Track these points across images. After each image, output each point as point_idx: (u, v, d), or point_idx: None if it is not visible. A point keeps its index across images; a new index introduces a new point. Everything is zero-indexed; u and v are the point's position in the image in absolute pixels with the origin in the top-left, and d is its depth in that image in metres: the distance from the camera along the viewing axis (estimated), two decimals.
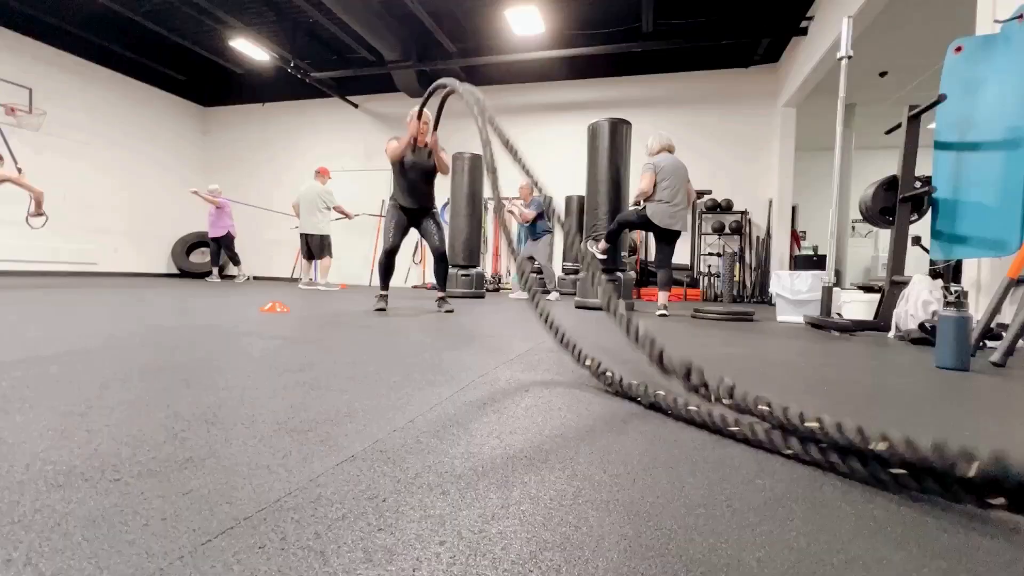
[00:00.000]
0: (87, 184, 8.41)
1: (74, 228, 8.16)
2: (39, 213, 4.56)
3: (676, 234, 3.89)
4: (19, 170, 5.11)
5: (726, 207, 7.48)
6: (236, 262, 7.69)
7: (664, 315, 3.73)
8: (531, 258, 6.05)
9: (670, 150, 3.97)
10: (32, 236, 6.77)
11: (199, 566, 0.47)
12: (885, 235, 10.07)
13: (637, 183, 3.94)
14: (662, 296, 3.89)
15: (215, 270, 7.78)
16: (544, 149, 8.41)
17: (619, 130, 4.52)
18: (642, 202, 3.90)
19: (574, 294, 6.71)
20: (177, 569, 0.46)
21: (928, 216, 3.04)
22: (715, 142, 7.74)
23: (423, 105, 3.22)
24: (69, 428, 0.83)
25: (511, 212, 6.13)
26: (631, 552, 0.52)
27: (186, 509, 0.57)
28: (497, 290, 8.10)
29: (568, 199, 7.57)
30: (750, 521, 0.60)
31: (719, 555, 0.52)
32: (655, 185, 3.80)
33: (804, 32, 6.22)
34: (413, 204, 3.44)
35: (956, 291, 1.83)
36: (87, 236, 8.41)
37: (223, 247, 7.59)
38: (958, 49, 2.84)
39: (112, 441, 0.78)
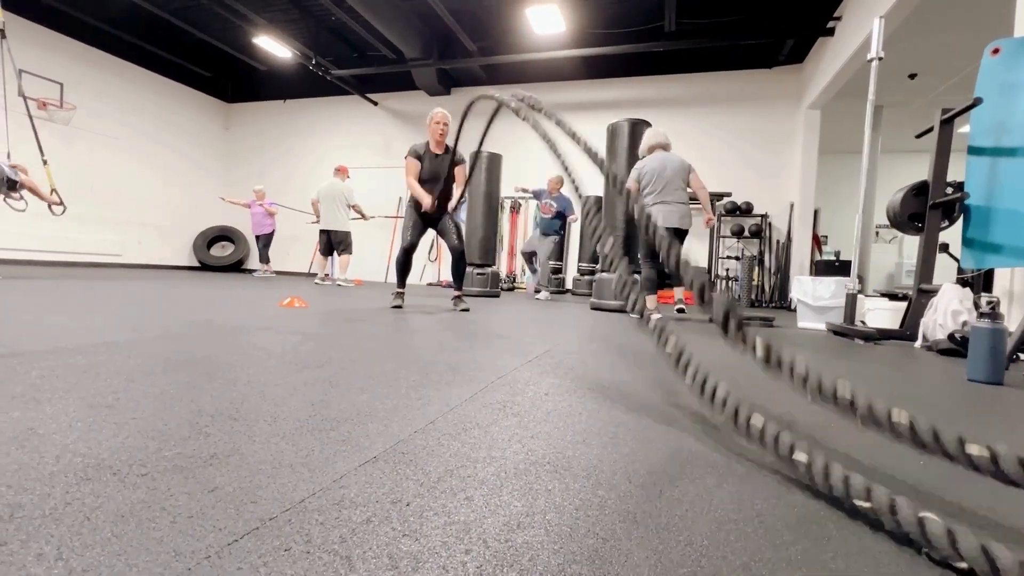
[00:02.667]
0: (114, 177, 8.62)
1: (100, 220, 8.37)
2: (55, 203, 4.68)
3: (681, 233, 3.73)
4: (44, 162, 5.22)
5: (746, 210, 7.37)
6: (266, 260, 7.90)
7: (683, 311, 3.69)
8: (532, 253, 6.04)
9: (664, 147, 3.77)
10: (59, 227, 6.96)
11: (226, 567, 0.46)
12: (910, 241, 9.81)
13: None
14: (678, 292, 3.85)
15: (265, 267, 7.94)
16: (562, 148, 8.37)
17: (639, 131, 4.46)
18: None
19: (589, 295, 6.66)
20: (204, 569, 0.46)
21: (958, 223, 2.95)
22: (737, 144, 7.63)
23: (462, 121, 2.93)
24: (97, 420, 0.84)
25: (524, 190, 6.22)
26: (662, 568, 0.51)
27: (212, 507, 0.57)
28: (512, 289, 8.10)
29: (586, 199, 7.52)
30: (784, 539, 0.58)
31: (753, 574, 0.51)
32: (640, 192, 3.67)
33: (831, 32, 6.09)
34: (431, 210, 3.42)
35: (990, 301, 1.77)
36: (112, 228, 8.62)
37: (263, 245, 7.82)
38: (995, 51, 2.74)
39: (139, 435, 0.79)
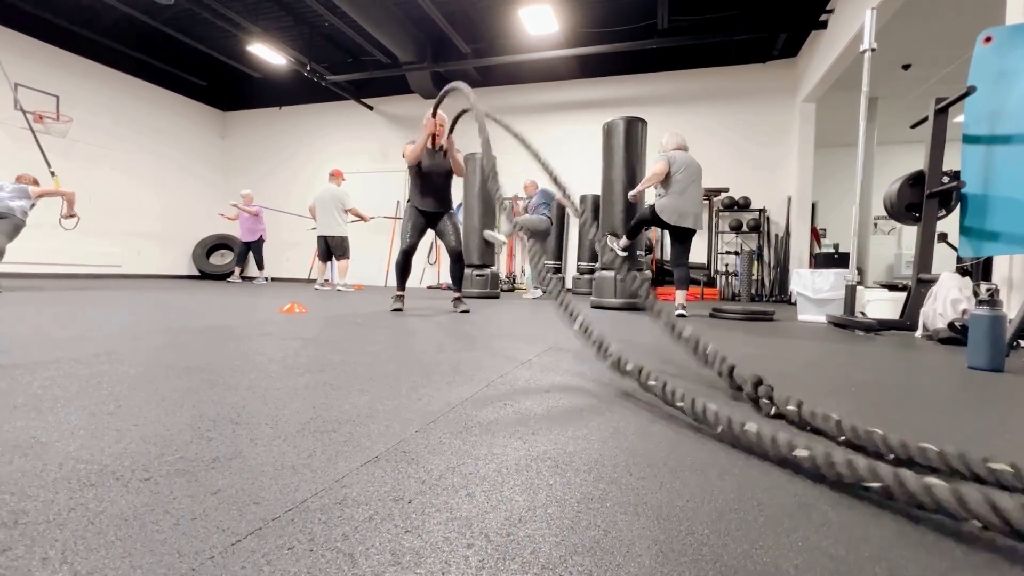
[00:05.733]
0: (112, 188, 8.63)
1: (99, 231, 8.37)
2: (71, 215, 4.66)
3: (690, 232, 3.81)
4: (52, 173, 5.23)
5: (744, 205, 7.37)
6: (261, 266, 7.86)
7: (683, 315, 3.68)
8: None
9: (684, 148, 3.91)
10: (59, 239, 6.97)
11: (229, 567, 0.47)
12: (908, 232, 9.81)
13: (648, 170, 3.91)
14: (679, 295, 3.83)
15: (237, 271, 7.98)
16: (558, 148, 8.39)
17: (634, 128, 4.47)
18: (653, 196, 3.85)
19: (589, 293, 6.67)
20: (208, 569, 0.46)
21: (955, 212, 2.95)
22: (733, 139, 7.64)
23: (437, 106, 3.23)
24: (99, 427, 0.85)
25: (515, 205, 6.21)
26: (663, 558, 0.51)
27: (215, 509, 0.58)
28: (512, 290, 8.10)
29: (583, 198, 7.54)
30: (784, 527, 0.58)
31: (754, 561, 0.51)
32: (668, 177, 3.72)
33: (823, 25, 6.10)
34: (431, 208, 3.45)
35: (989, 289, 1.77)
36: (112, 239, 8.62)
37: (253, 251, 7.77)
38: (988, 39, 2.75)
39: (141, 440, 0.79)
